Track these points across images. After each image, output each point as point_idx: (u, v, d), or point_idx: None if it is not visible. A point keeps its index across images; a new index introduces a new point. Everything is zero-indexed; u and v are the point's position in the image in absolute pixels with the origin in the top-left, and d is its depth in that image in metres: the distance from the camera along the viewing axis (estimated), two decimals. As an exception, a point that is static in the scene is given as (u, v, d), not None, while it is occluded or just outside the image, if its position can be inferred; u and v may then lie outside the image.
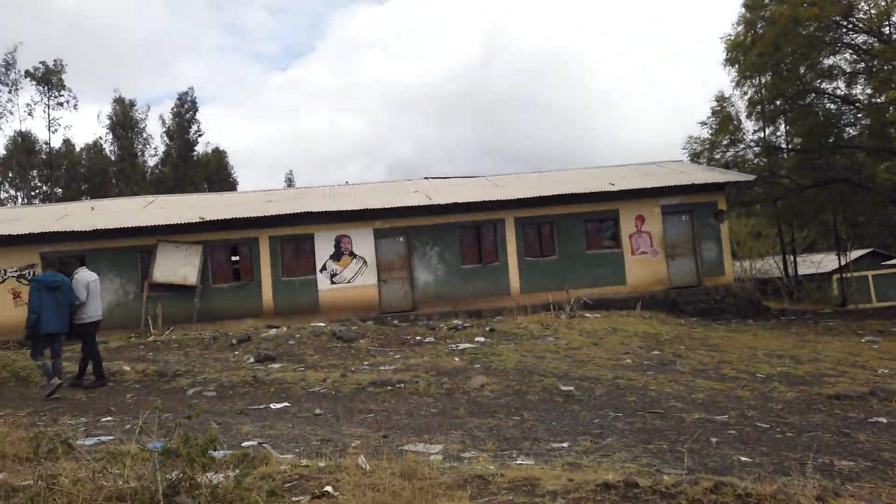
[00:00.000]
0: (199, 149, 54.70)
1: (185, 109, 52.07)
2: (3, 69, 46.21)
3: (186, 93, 52.49)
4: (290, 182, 66.04)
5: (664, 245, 17.68)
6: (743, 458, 5.49)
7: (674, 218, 17.83)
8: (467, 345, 11.77)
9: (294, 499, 4.08)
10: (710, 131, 22.03)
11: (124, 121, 50.27)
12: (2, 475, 4.77)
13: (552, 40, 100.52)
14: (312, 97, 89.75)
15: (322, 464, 4.94)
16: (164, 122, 53.26)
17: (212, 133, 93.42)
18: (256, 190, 21.41)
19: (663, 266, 17.57)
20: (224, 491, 3.88)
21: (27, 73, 46.96)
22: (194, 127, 52.99)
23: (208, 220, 16.28)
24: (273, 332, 13.19)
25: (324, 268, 16.93)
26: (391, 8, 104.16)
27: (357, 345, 12.30)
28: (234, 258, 17.19)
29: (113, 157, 52.13)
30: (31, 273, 16.25)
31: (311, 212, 16.48)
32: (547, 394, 8.23)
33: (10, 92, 46.41)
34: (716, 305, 16.75)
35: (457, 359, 10.55)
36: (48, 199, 46.82)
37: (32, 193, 48.30)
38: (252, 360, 11.06)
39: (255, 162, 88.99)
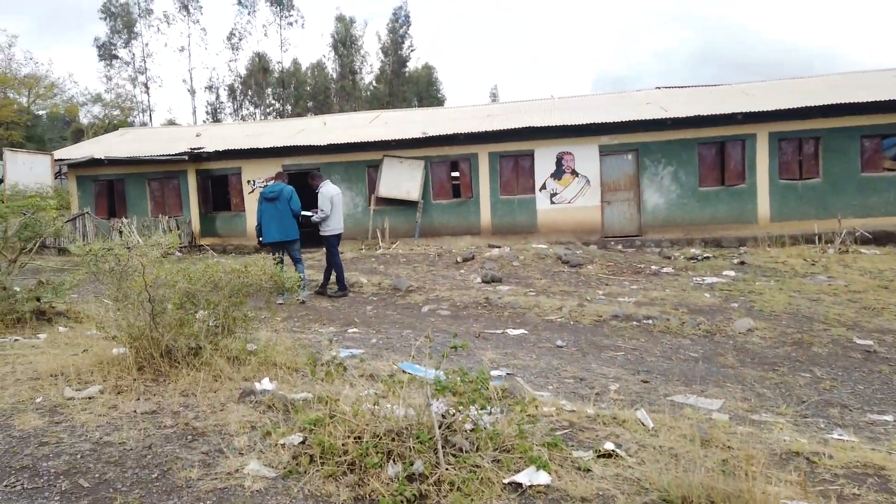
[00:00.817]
0: (411, 64, 56.17)
1: (399, 24, 53.17)
2: (243, -8, 50.79)
3: (401, 7, 53.45)
4: (494, 97, 65.68)
5: (970, 168, 14.13)
6: None
7: None
8: (715, 279, 10.39)
9: (575, 453, 3.47)
10: None
11: (345, 38, 52.80)
12: (274, 385, 4.82)
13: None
14: (511, 11, 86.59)
15: (590, 411, 4.30)
16: (379, 39, 55.28)
17: (420, 48, 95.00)
18: (476, 104, 21.00)
19: (967, 194, 14.11)
20: (503, 437, 3.40)
21: (262, -6, 51.16)
22: (407, 42, 54.14)
23: (430, 135, 16.21)
24: (496, 252, 12.88)
25: (543, 186, 16.17)
26: None
27: (585, 271, 11.52)
28: (453, 174, 17.12)
29: (334, 75, 55.55)
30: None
31: (533, 126, 15.63)
32: (838, 347, 6.80)
33: (248, 14, 51.18)
34: None
35: (707, 295, 9.31)
36: (280, 115, 51.54)
37: (267, 110, 53.46)
38: (479, 280, 10.83)
39: (459, 77, 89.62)
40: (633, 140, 15.51)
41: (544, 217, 16.20)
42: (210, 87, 53.26)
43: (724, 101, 15.83)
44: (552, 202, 16.13)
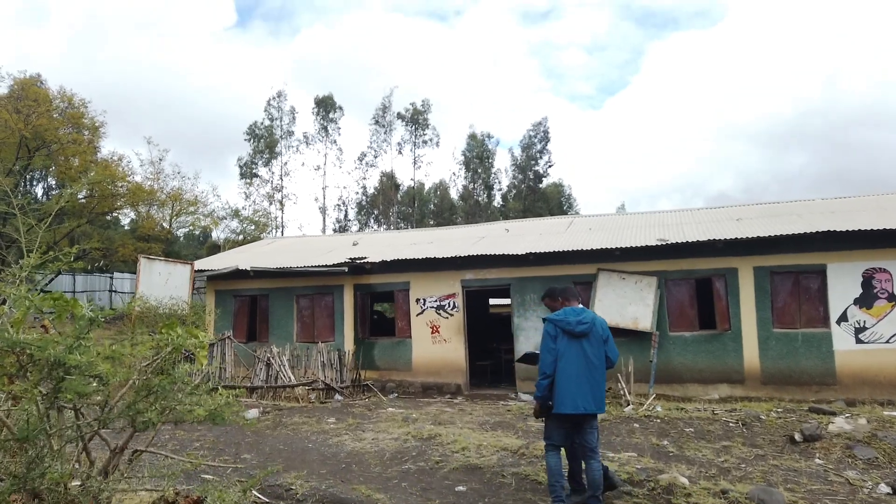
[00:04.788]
0: (547, 181, 53.53)
1: (538, 139, 51.15)
2: (380, 112, 51.09)
3: (540, 123, 51.57)
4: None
5: None
6: None
7: None
8: None
9: None
10: None
11: (481, 153, 51.48)
12: None
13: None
14: (623, 133, 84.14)
15: None
16: (512, 155, 53.43)
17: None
18: (722, 206, 16.68)
19: None
20: None
21: (398, 115, 51.15)
22: (545, 158, 51.78)
23: (672, 241, 11.95)
24: (842, 423, 7.94)
25: (843, 317, 11.22)
26: (714, 35, 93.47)
27: None
28: (697, 296, 12.60)
29: (462, 191, 53.87)
30: (452, 304, 13.85)
31: (829, 231, 10.98)
32: None
33: (385, 133, 51.03)
34: None
35: None
36: (410, 232, 49.68)
37: (391, 229, 52.04)
38: (886, 488, 5.99)
39: (581, 194, 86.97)
40: None
41: (846, 361, 11.11)
42: (339, 205, 52.89)
43: None
44: (858, 340, 11.08)
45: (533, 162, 51.87)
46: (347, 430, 8.37)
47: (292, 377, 10.78)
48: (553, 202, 54.97)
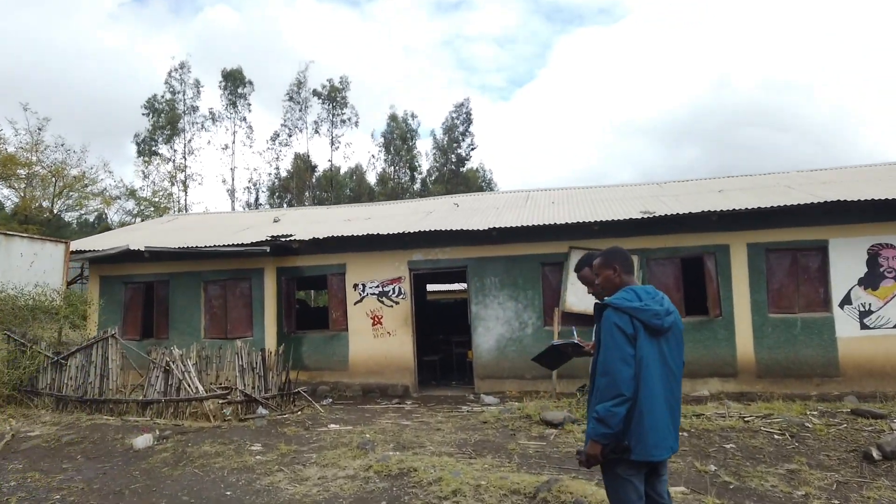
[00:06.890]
0: (468, 165, 51.88)
1: (461, 120, 49.30)
2: (295, 88, 47.56)
3: (462, 104, 49.73)
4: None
5: None
6: None
7: None
8: None
9: None
10: None
11: (404, 134, 49.11)
12: None
13: (797, 52, 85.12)
14: (533, 124, 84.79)
15: None
16: (434, 138, 51.44)
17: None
18: (704, 178, 15.18)
19: None
20: None
21: (315, 92, 47.81)
22: (467, 140, 50.03)
23: (657, 215, 10.30)
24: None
25: (847, 300, 9.98)
26: (615, 33, 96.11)
27: None
28: (685, 277, 11.06)
29: (380, 176, 51.40)
30: (398, 290, 11.65)
31: (835, 201, 9.64)
32: None
33: (300, 110, 47.59)
34: None
35: None
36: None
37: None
38: None
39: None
40: None
41: (850, 350, 9.88)
42: (249, 188, 48.96)
43: None
44: (863, 326, 9.87)
45: (455, 144, 50.08)
46: (281, 465, 6.06)
47: (200, 388, 8.27)
48: (473, 186, 53.42)
